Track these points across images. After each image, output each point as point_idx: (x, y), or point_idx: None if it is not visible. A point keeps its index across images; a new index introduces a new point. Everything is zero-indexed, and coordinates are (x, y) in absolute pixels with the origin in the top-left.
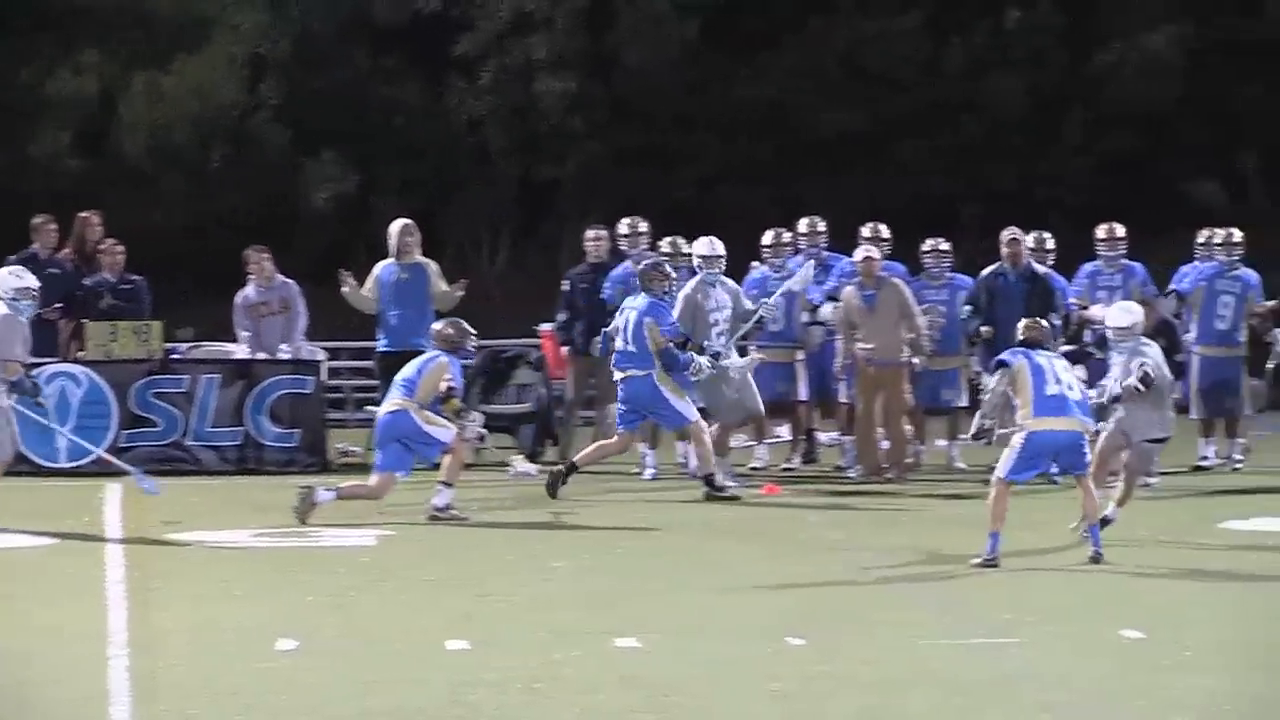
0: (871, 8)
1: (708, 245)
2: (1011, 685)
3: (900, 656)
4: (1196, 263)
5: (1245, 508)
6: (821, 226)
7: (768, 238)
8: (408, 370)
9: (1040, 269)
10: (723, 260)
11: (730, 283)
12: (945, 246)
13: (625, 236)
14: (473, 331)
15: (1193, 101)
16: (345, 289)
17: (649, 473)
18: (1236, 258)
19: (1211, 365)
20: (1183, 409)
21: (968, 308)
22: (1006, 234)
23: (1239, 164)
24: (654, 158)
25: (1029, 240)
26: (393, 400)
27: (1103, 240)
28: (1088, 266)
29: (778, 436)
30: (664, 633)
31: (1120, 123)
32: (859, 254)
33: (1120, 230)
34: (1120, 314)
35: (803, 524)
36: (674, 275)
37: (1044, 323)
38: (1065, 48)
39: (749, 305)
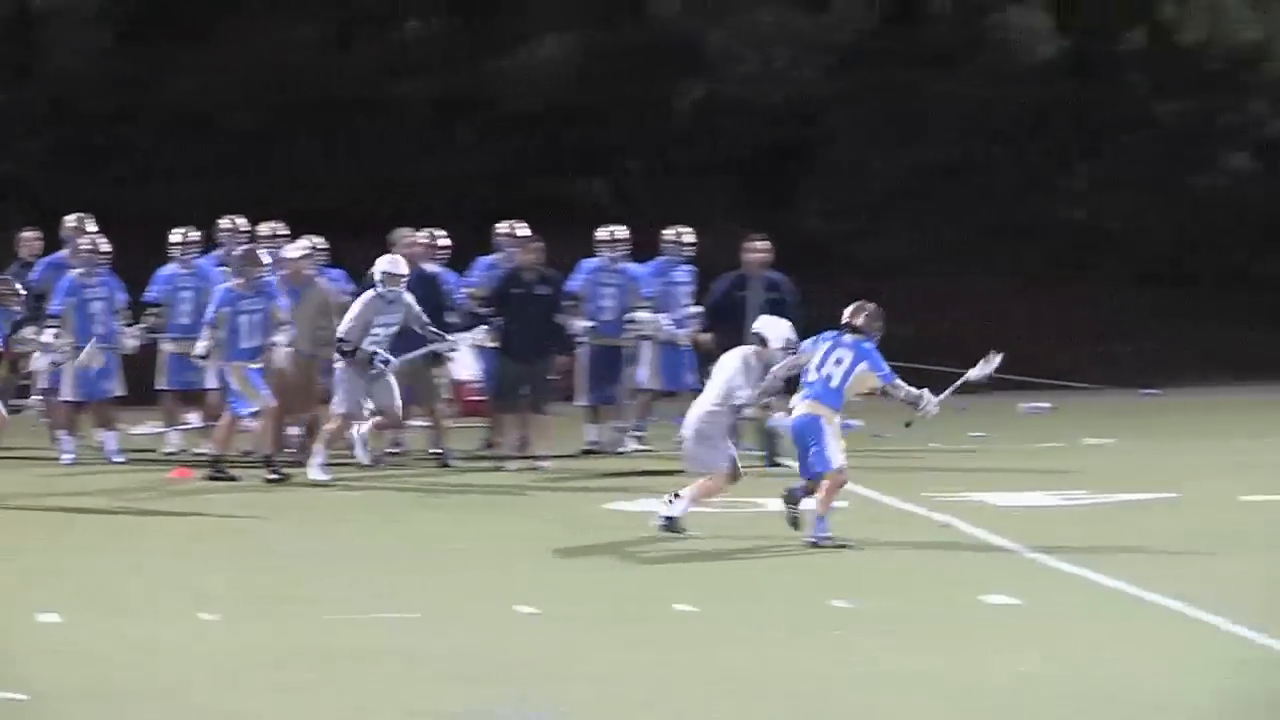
0: (281, 12)
1: (390, 263)
2: (411, 654)
3: (310, 631)
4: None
5: (631, 490)
6: (243, 225)
7: (175, 236)
8: None
9: (431, 268)
10: (404, 279)
11: (411, 302)
12: (322, 245)
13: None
14: (18, 291)
15: (584, 104)
16: None
17: (67, 457)
18: (620, 253)
19: (598, 354)
20: (568, 397)
21: None
22: (401, 233)
23: (625, 163)
24: (81, 156)
25: (422, 237)
26: None
27: (504, 235)
28: (485, 259)
29: (187, 423)
30: (86, 609)
31: (516, 125)
32: (291, 251)
33: (523, 230)
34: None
35: (214, 506)
36: (266, 262)
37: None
38: (464, 52)
39: (422, 321)
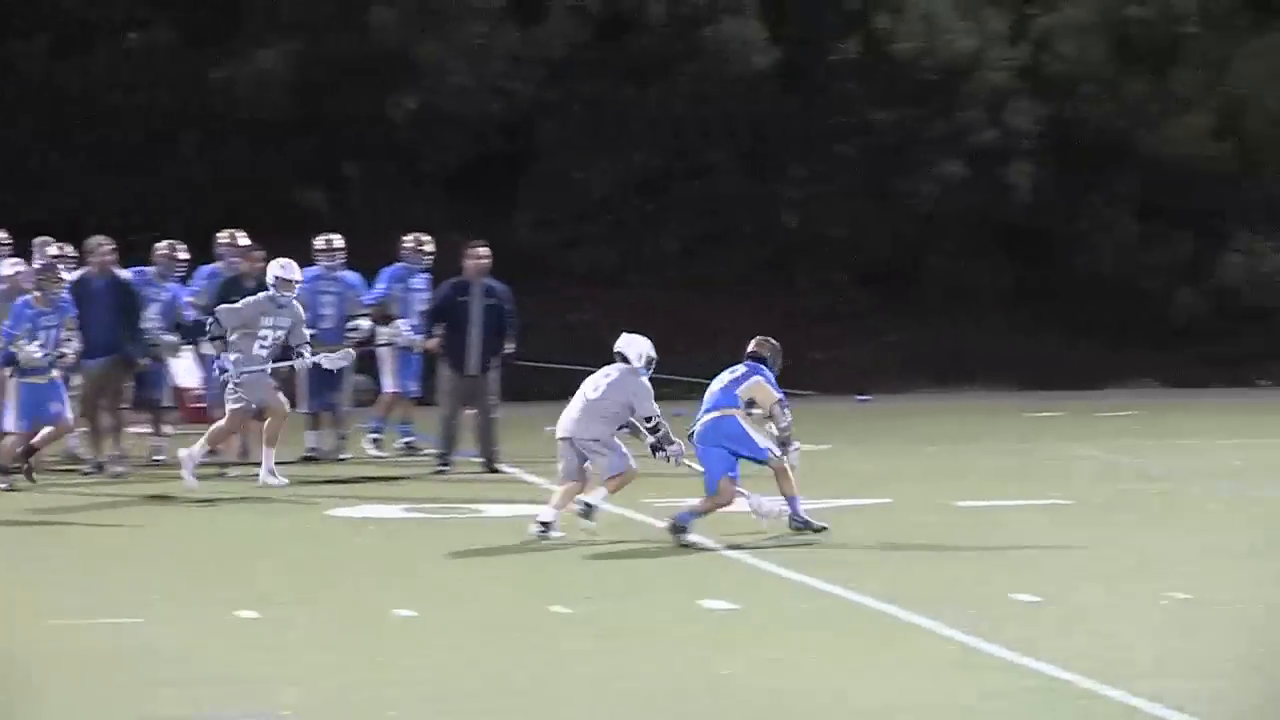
0: (16, 30)
1: (281, 268)
2: (132, 659)
3: (34, 637)
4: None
5: (352, 496)
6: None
7: None
8: None
9: (125, 274)
10: (295, 285)
11: (299, 312)
12: (71, 251)
13: None
14: None
15: (301, 114)
16: None
17: None
18: (338, 262)
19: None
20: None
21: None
22: (94, 242)
23: (342, 172)
24: None
25: (162, 248)
26: None
27: (225, 244)
28: (206, 268)
29: None
30: None
31: (235, 135)
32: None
33: (244, 238)
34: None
35: None
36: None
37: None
38: (185, 63)
39: (302, 336)
